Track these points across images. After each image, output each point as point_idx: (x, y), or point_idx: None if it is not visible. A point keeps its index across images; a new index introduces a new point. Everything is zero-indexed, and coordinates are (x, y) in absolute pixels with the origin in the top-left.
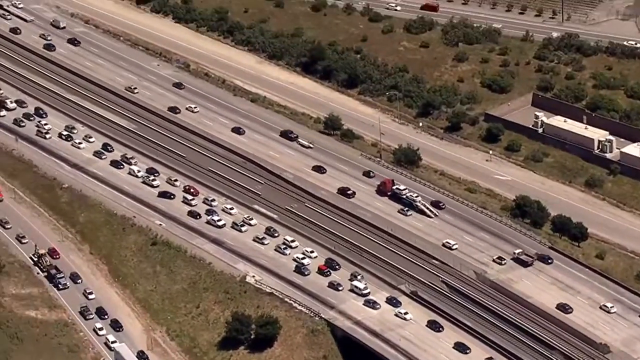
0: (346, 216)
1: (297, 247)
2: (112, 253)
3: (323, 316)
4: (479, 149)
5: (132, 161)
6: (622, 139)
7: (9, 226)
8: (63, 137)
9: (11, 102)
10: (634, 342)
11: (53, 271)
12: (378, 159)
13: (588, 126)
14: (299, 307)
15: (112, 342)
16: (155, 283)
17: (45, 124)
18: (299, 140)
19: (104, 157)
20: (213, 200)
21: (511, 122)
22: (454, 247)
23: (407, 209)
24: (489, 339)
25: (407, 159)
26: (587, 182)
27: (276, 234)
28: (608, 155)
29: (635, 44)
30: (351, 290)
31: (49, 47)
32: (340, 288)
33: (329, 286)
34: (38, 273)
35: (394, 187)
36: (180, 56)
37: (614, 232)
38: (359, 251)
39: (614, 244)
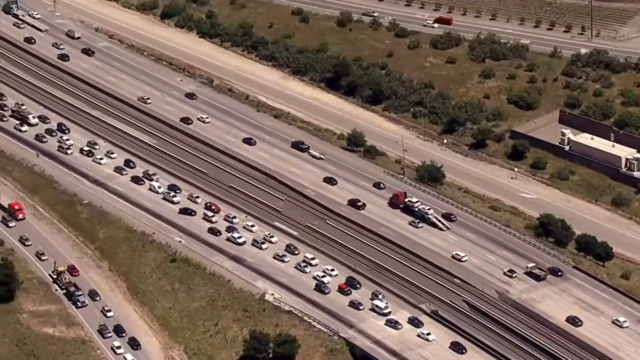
0: (366, 233)
1: (317, 264)
2: (131, 270)
3: (342, 335)
4: (504, 166)
5: (154, 177)
6: None
7: (29, 243)
8: (84, 152)
9: (34, 117)
10: None
11: (72, 288)
12: (401, 176)
13: (615, 144)
14: (318, 326)
15: None
16: (173, 300)
17: (67, 140)
18: (310, 151)
19: (124, 173)
20: (234, 217)
21: (537, 139)
22: (464, 258)
23: (417, 221)
24: None
25: (431, 175)
26: (613, 200)
27: (296, 252)
28: (635, 174)
29: None
30: (372, 310)
31: (63, 57)
32: (361, 307)
33: (349, 305)
34: (56, 290)
35: (406, 200)
36: (204, 71)
37: None
38: (379, 269)
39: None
